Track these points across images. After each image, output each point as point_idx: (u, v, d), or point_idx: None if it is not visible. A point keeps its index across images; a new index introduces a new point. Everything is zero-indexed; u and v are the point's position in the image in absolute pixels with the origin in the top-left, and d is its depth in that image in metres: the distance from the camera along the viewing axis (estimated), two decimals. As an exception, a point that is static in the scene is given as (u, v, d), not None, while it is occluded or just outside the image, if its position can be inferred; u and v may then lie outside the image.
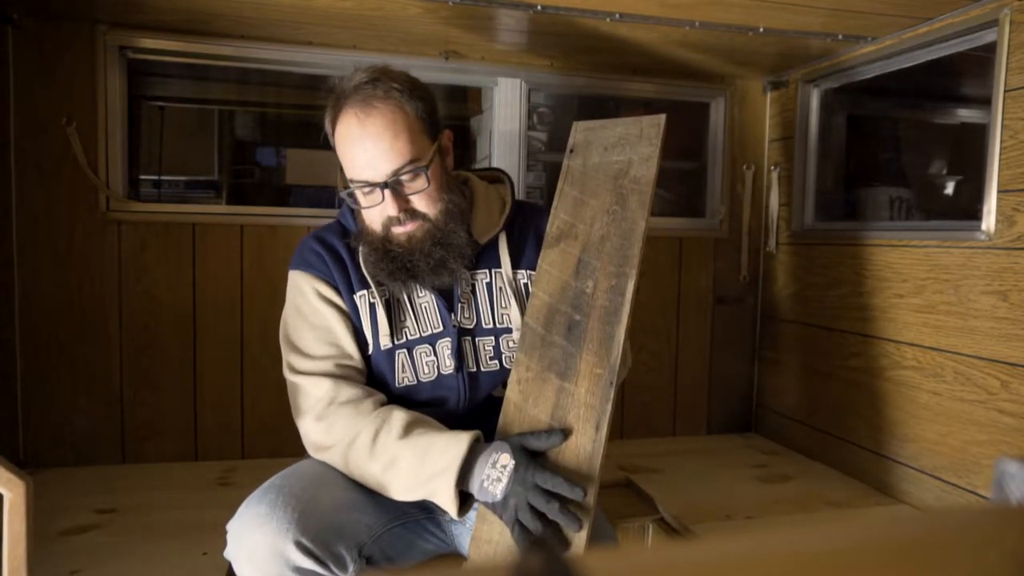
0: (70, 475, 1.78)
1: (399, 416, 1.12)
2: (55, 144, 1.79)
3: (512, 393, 1.12)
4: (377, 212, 1.17)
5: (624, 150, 1.22)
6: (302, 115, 2.73)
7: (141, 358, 1.89)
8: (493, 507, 1.03)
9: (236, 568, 1.04)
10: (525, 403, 1.10)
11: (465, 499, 1.05)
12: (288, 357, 1.23)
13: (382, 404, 1.18)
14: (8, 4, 1.69)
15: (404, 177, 1.14)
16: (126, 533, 1.47)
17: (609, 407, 1.03)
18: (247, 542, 1.01)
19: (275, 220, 1.96)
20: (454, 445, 1.05)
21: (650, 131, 1.22)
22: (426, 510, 1.25)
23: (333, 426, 1.14)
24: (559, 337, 1.11)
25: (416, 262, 1.17)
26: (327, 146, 1.23)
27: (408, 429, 1.10)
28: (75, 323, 1.84)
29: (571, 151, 1.24)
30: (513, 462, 1.01)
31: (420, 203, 1.17)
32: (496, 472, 1.02)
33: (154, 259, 1.88)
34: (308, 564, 1.01)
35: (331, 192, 2.46)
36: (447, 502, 1.04)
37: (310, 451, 1.20)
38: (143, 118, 2.38)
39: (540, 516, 0.98)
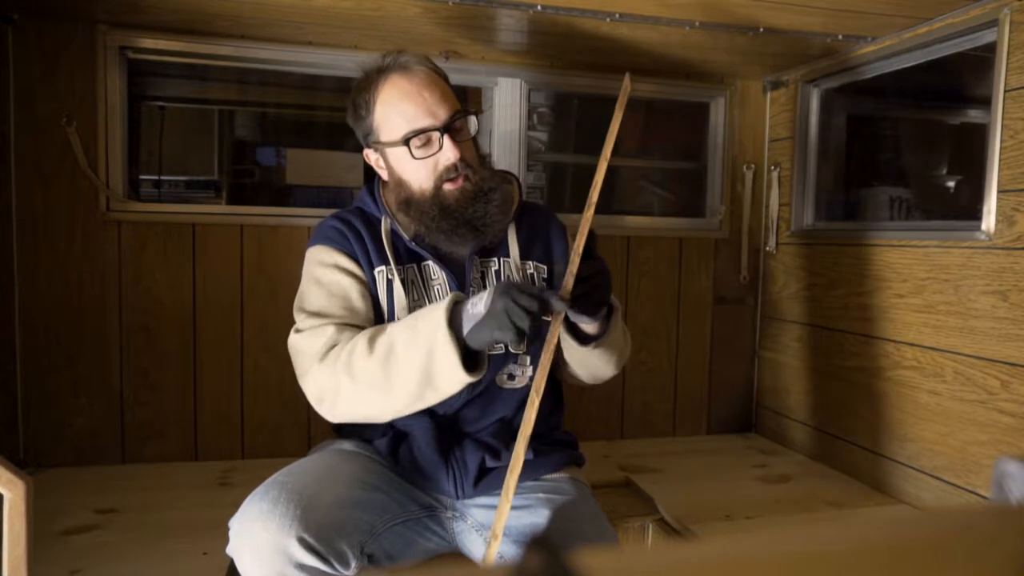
0: (70, 475, 1.78)
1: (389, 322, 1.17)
2: (55, 144, 1.79)
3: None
4: (431, 165, 1.21)
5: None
6: (302, 115, 2.72)
7: (141, 358, 1.89)
8: (485, 324, 1.02)
9: (239, 564, 1.04)
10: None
11: (474, 361, 1.06)
12: (299, 322, 1.24)
13: None
14: (8, 4, 1.69)
15: (458, 124, 1.22)
16: (126, 533, 1.46)
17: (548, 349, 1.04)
18: (250, 538, 1.01)
19: (275, 220, 1.96)
20: (439, 302, 1.09)
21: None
22: (427, 508, 1.25)
23: (336, 360, 1.14)
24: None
25: (478, 212, 1.21)
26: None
27: (397, 321, 1.15)
28: (75, 323, 1.84)
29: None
30: (494, 285, 1.06)
31: (469, 153, 1.24)
32: (478, 298, 1.05)
33: (154, 259, 1.88)
34: (311, 561, 1.01)
35: (331, 192, 2.46)
36: (448, 352, 1.03)
37: (317, 405, 1.19)
38: (143, 118, 2.38)
39: (528, 313, 0.99)
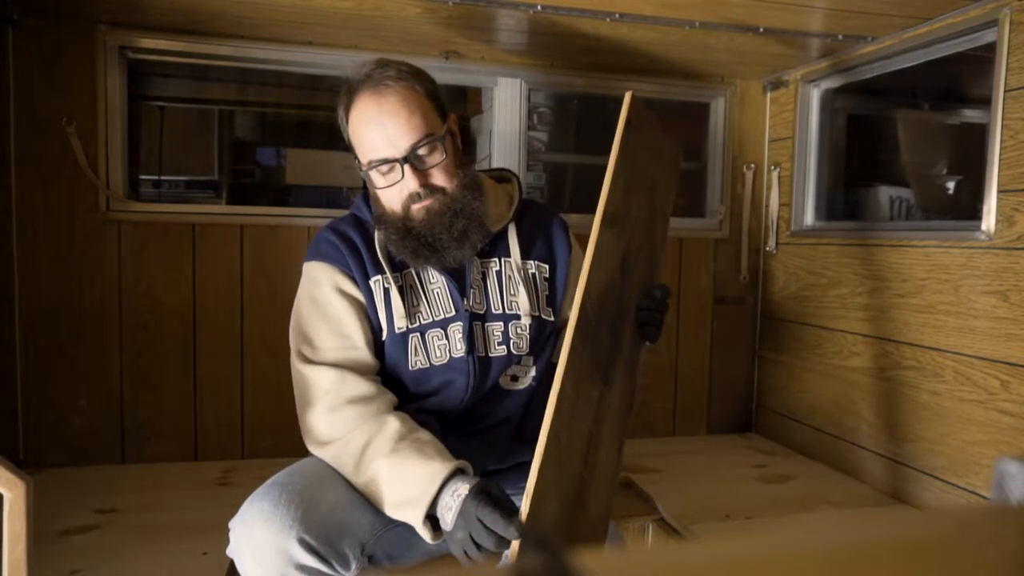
0: (70, 475, 1.78)
1: (392, 428, 1.12)
2: (55, 144, 1.79)
3: (567, 382, 0.97)
4: (396, 191, 1.20)
5: (658, 163, 1.22)
6: (302, 115, 2.72)
7: (141, 358, 1.89)
8: (449, 540, 1.02)
9: (239, 565, 1.04)
10: (577, 400, 1.01)
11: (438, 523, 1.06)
12: (299, 346, 1.24)
13: (388, 404, 1.19)
14: (8, 4, 1.69)
15: (422, 151, 1.18)
16: (126, 533, 1.47)
17: (627, 428, 1.07)
18: (251, 539, 1.01)
19: (275, 220, 1.96)
20: (429, 478, 1.04)
21: (673, 160, 1.24)
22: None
23: (336, 424, 1.15)
24: (605, 334, 1.06)
25: (439, 236, 1.20)
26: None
27: (397, 446, 1.10)
28: (75, 323, 1.84)
29: (629, 122, 1.12)
30: (466, 493, 1.00)
31: (438, 177, 1.21)
32: (452, 501, 1.02)
33: (154, 259, 1.88)
34: (311, 562, 1.01)
35: (331, 192, 2.46)
36: (417, 527, 1.05)
37: (309, 443, 1.20)
38: (143, 118, 2.38)
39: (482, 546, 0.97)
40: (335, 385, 1.17)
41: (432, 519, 1.05)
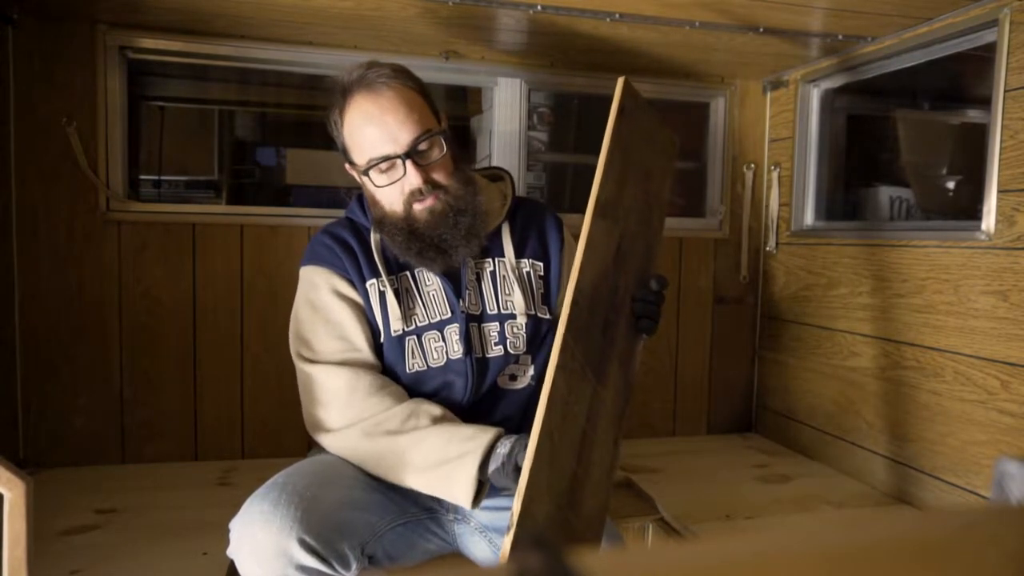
0: (70, 475, 1.78)
1: (428, 407, 1.17)
2: (55, 144, 1.79)
3: (559, 380, 0.98)
4: (398, 189, 1.19)
5: (653, 151, 1.21)
6: (302, 115, 2.72)
7: (141, 358, 1.89)
8: (498, 473, 1.07)
9: (239, 566, 1.04)
10: (569, 397, 1.01)
11: (478, 493, 1.10)
12: (299, 349, 1.24)
13: (401, 395, 1.21)
14: (8, 4, 1.69)
15: (423, 147, 1.18)
16: (126, 533, 1.47)
17: (623, 424, 1.07)
18: (251, 540, 1.01)
19: (275, 220, 1.96)
20: (481, 433, 1.11)
21: (669, 148, 1.23)
22: (428, 510, 1.25)
23: (364, 410, 1.17)
24: (597, 330, 1.06)
25: (444, 236, 1.20)
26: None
27: (438, 420, 1.16)
28: (75, 323, 1.84)
29: (622, 110, 1.11)
30: (516, 437, 1.09)
31: (439, 173, 1.21)
32: (503, 448, 1.09)
33: (154, 259, 1.88)
34: (312, 562, 1.01)
35: (331, 192, 2.46)
36: (465, 485, 1.08)
37: (321, 434, 1.20)
38: (143, 118, 2.38)
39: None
40: (349, 382, 1.18)
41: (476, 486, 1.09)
